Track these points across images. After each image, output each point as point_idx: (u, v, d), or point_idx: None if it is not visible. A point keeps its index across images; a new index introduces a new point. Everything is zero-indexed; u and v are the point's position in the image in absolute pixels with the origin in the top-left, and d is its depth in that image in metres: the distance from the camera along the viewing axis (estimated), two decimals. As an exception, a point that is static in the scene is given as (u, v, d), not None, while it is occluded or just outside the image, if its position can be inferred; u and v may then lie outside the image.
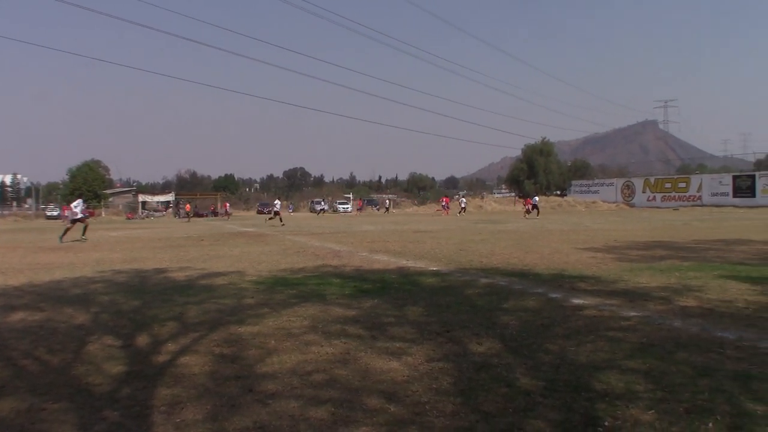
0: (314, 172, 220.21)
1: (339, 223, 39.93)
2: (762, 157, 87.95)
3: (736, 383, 4.25)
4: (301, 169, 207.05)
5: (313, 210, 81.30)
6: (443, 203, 62.46)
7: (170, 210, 73.56)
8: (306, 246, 18.15)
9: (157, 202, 78.19)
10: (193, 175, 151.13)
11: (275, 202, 39.97)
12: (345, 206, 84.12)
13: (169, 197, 79.47)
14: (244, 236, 24.48)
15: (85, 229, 23.52)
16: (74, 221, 23.44)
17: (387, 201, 78.88)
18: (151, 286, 9.69)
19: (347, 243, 19.18)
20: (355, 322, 6.54)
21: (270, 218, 37.02)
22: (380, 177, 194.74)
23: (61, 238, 22.31)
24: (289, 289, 9.10)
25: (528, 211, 51.37)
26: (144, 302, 8.12)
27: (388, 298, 8.12)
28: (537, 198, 56.59)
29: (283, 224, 35.22)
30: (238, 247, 17.94)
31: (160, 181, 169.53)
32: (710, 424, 3.52)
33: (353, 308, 7.38)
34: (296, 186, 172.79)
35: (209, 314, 7.17)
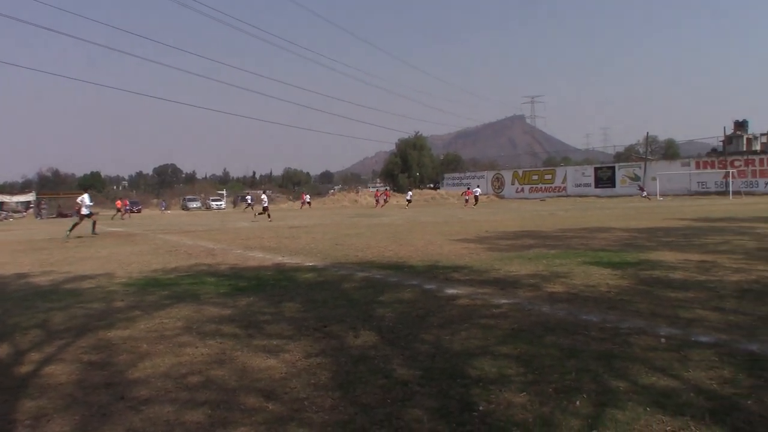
0: (186, 168, 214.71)
1: (212, 220, 39.10)
2: (621, 149, 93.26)
3: (601, 363, 4.51)
4: (172, 165, 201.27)
5: (185, 207, 79.20)
6: (384, 197, 64.34)
7: (31, 210, 69.58)
8: (178, 245, 17.65)
9: (17, 202, 73.87)
10: (56, 173, 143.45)
11: (262, 197, 38.73)
12: (218, 203, 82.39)
13: (30, 197, 75.26)
14: (113, 237, 23.46)
15: (94, 224, 23.56)
16: (83, 217, 23.17)
17: (307, 196, 78.12)
18: (11, 293, 9.13)
19: (221, 240, 18.82)
20: (231, 321, 6.44)
21: (259, 213, 36.26)
22: (254, 173, 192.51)
23: (68, 233, 22.19)
24: (162, 290, 8.83)
25: (467, 201, 53.19)
26: (4, 310, 7.65)
27: (264, 295, 8.05)
28: (479, 189, 58.58)
29: (254, 219, 34.73)
30: (106, 248, 17.17)
31: (20, 180, 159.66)
32: (578, 402, 3.72)
33: (229, 307, 7.26)
34: (167, 183, 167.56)
35: (76, 320, 6.84)
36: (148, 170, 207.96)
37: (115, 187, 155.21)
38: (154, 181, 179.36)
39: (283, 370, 4.63)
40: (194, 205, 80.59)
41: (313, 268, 10.76)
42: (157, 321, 6.60)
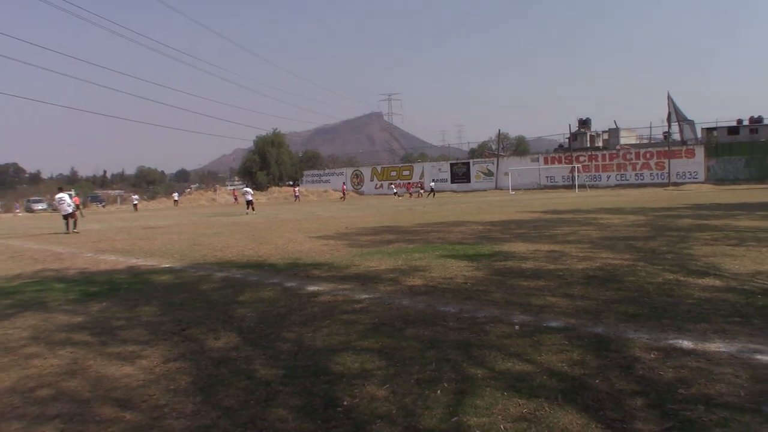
0: (29, 167, 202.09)
1: (60, 222, 37.01)
2: (475, 146, 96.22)
3: (459, 352, 4.66)
4: (14, 164, 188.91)
5: (29, 210, 74.54)
6: (342, 192, 65.58)
7: None
8: (22, 249, 16.62)
9: None
10: None
11: (247, 190, 39.08)
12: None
13: None
14: (-53, 243, 21.76)
15: (75, 222, 24.27)
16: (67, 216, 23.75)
17: (175, 194, 74.38)
18: None
19: (70, 244, 17.87)
20: (83, 329, 6.15)
21: (249, 209, 35.54)
22: (105, 172, 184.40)
23: (72, 229, 23.44)
24: (4, 298, 8.29)
25: (411, 194, 54.23)
26: None
27: (117, 300, 7.74)
28: (433, 183, 60.45)
29: (247, 212, 34.23)
30: (-60, 256, 15.91)
31: None
32: (439, 392, 3.83)
33: (79, 314, 6.93)
34: (9, 184, 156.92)
35: None
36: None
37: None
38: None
39: (140, 377, 4.47)
40: (40, 207, 75.92)
41: (169, 270, 10.45)
42: (0, 332, 6.20)
